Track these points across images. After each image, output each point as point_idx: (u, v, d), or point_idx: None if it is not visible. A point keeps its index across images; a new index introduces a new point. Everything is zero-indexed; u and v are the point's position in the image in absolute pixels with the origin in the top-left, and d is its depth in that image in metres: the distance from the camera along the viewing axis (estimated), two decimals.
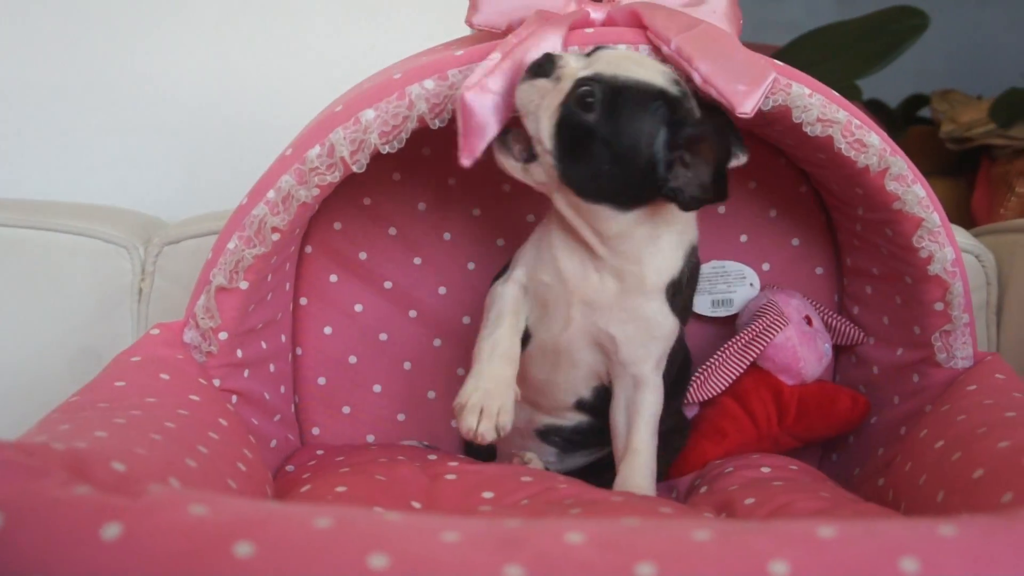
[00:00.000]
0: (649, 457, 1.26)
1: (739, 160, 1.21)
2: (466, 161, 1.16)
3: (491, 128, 1.17)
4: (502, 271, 1.34)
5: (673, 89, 1.15)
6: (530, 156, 1.19)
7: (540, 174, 1.18)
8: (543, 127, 1.15)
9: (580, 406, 1.34)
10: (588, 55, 1.18)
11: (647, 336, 1.25)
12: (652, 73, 1.15)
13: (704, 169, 1.11)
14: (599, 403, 1.32)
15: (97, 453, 0.77)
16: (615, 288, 1.23)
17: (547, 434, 1.38)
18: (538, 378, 1.32)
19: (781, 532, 0.63)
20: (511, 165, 1.20)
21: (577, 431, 1.37)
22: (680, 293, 1.25)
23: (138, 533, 0.62)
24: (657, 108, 1.13)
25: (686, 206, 1.13)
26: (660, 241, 1.21)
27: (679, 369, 1.38)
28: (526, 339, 1.30)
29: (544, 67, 1.15)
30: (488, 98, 1.16)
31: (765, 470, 1.31)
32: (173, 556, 0.61)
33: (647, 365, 1.26)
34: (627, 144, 1.13)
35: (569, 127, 1.14)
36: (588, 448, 1.38)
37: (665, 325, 1.25)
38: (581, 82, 1.13)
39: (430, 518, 0.65)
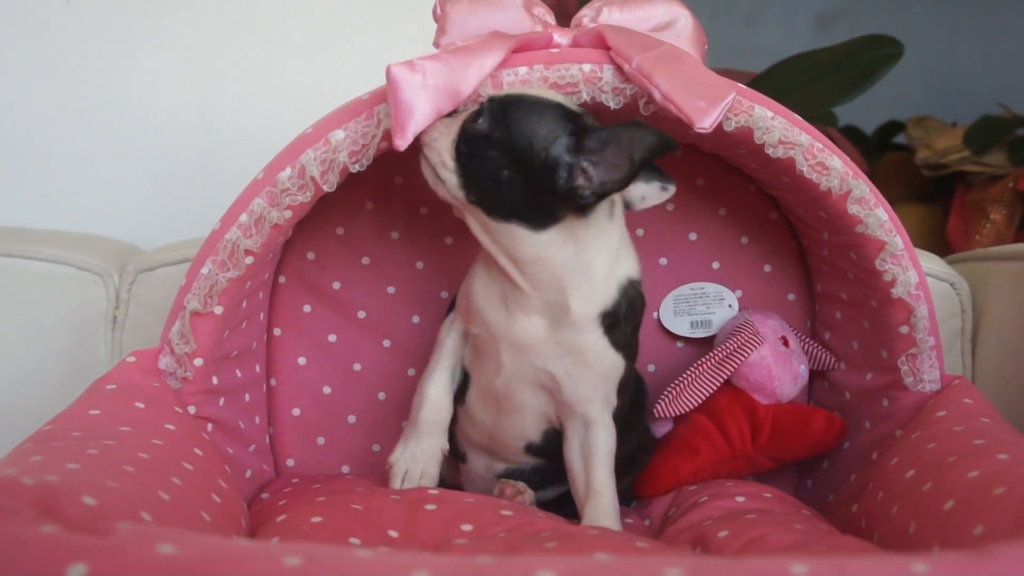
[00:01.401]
0: (611, 496, 1.26)
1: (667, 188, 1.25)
2: (399, 142, 1.15)
3: (420, 110, 1.15)
4: (450, 307, 1.36)
5: (572, 105, 1.17)
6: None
7: (453, 185, 1.18)
8: (444, 148, 1.17)
9: (531, 450, 1.34)
10: None
11: (587, 371, 1.24)
12: (551, 94, 1.18)
13: (612, 170, 1.11)
14: (550, 447, 1.31)
15: (68, 487, 0.77)
16: (544, 326, 1.22)
17: (508, 477, 1.38)
18: (485, 422, 1.33)
19: (753, 569, 0.62)
20: (427, 172, 1.20)
21: (536, 472, 1.37)
22: (618, 326, 1.23)
23: (104, 573, 0.61)
24: (553, 113, 1.14)
25: (585, 201, 1.13)
26: (587, 270, 1.19)
27: (634, 392, 1.38)
28: (467, 381, 1.32)
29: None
30: (416, 77, 1.15)
31: (739, 499, 1.31)
32: None
33: (593, 405, 1.26)
34: (522, 144, 1.13)
35: (466, 141, 1.15)
36: (555, 484, 1.37)
37: (605, 359, 1.24)
38: (480, 110, 1.16)
39: (401, 555, 0.65)
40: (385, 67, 1.15)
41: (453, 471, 1.44)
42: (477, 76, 1.18)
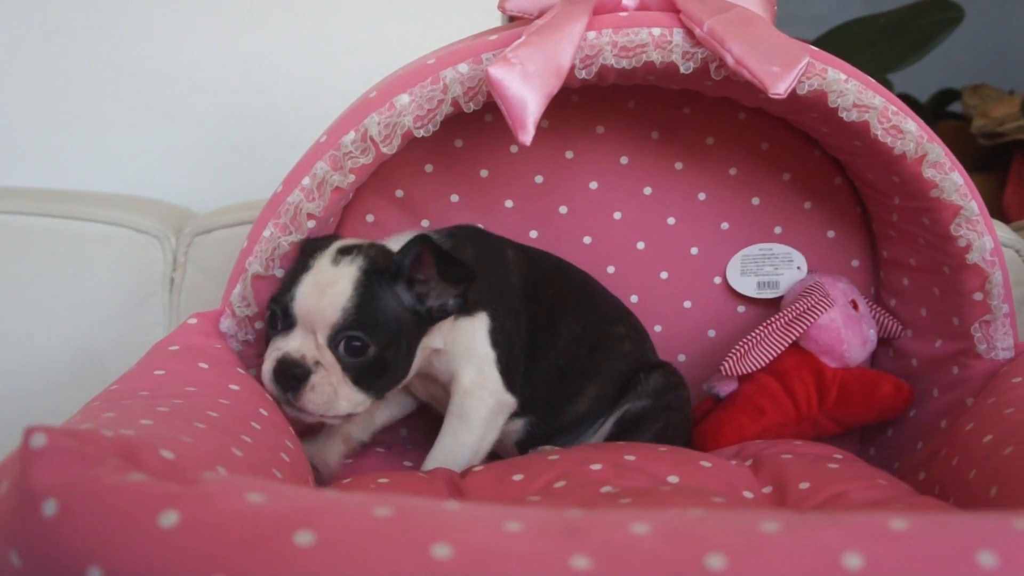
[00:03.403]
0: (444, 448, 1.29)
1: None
2: (523, 138, 1.14)
3: (532, 102, 1.15)
4: None
5: (361, 261, 1.20)
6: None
7: (362, 404, 1.22)
8: (347, 396, 1.19)
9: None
10: (287, 329, 1.20)
11: (451, 350, 1.29)
12: (346, 273, 1.19)
13: (436, 275, 1.20)
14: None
15: (145, 441, 0.76)
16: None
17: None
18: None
19: (852, 524, 0.61)
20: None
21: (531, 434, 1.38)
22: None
23: (196, 521, 0.60)
24: (384, 285, 1.19)
25: (459, 308, 1.21)
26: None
27: (595, 335, 1.40)
28: None
29: (296, 374, 1.17)
30: (515, 70, 1.14)
31: (808, 457, 1.29)
32: (232, 545, 0.59)
33: (467, 377, 1.29)
34: (396, 329, 1.19)
35: (363, 374, 1.19)
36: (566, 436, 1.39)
37: (464, 332, 1.29)
38: (338, 339, 1.17)
39: (490, 508, 0.64)
40: (485, 73, 1.15)
41: None
42: (571, 46, 1.17)
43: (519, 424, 1.35)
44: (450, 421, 1.28)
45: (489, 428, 1.29)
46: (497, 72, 1.14)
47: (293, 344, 1.18)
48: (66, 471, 0.64)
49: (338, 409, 1.18)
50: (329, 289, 1.17)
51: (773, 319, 1.43)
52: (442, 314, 1.21)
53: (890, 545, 0.60)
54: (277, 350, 1.18)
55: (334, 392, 1.17)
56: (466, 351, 1.28)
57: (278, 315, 1.20)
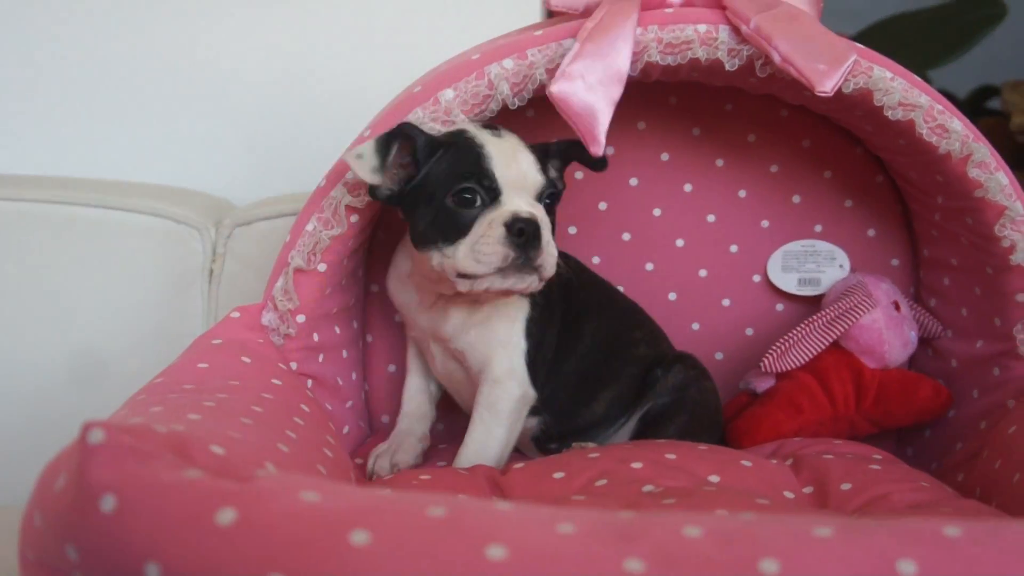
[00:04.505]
0: (475, 447, 1.28)
1: None
2: (595, 149, 1.16)
3: (599, 110, 1.15)
4: None
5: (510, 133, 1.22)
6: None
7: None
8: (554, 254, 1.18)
9: None
10: (493, 200, 1.17)
11: (490, 332, 1.28)
12: (516, 143, 1.21)
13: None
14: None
15: (195, 436, 0.76)
16: (463, 315, 1.28)
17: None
18: (459, 402, 1.41)
19: (906, 530, 0.61)
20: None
21: (545, 432, 1.38)
22: None
23: (253, 519, 0.61)
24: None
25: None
26: None
27: (612, 332, 1.40)
28: None
29: (531, 231, 1.14)
30: (577, 84, 1.15)
31: (848, 457, 1.28)
32: (289, 543, 0.60)
33: (498, 364, 1.28)
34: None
35: (553, 234, 1.20)
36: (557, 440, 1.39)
37: (509, 308, 1.28)
38: (543, 199, 1.20)
39: (542, 509, 0.64)
40: (548, 92, 1.17)
41: None
42: (627, 47, 1.18)
43: (534, 422, 1.36)
44: (480, 412, 1.28)
45: (516, 419, 1.29)
46: (561, 90, 1.15)
47: (517, 204, 1.16)
48: (124, 467, 0.65)
49: (553, 267, 1.17)
50: (519, 155, 1.18)
51: (815, 317, 1.42)
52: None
53: (944, 552, 0.60)
54: (505, 214, 1.15)
55: (555, 249, 1.18)
56: (501, 338, 1.28)
57: (477, 190, 1.16)
